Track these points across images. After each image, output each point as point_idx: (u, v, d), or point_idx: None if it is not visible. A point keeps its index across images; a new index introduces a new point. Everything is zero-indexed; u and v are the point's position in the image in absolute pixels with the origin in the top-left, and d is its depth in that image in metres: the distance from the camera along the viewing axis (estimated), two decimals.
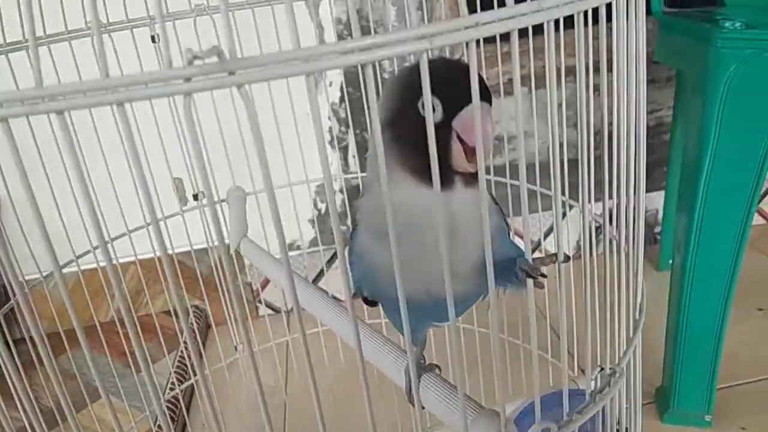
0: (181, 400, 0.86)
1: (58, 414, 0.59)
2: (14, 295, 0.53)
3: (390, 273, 0.25)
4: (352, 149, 1.22)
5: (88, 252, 0.61)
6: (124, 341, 0.70)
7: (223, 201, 0.64)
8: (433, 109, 0.30)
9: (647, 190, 1.38)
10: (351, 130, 1.20)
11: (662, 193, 1.35)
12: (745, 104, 0.74)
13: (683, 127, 1.17)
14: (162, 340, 0.81)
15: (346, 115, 1.18)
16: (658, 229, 1.40)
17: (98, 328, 0.68)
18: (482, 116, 0.25)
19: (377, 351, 0.36)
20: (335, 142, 1.22)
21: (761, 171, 0.77)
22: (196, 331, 1.15)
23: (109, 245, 0.63)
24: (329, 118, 1.20)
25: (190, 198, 0.63)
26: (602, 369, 0.31)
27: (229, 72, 0.21)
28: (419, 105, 0.32)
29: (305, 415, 0.98)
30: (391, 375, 0.35)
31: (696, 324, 0.85)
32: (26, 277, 0.60)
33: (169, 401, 0.98)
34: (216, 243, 0.69)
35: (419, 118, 0.27)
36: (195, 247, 0.72)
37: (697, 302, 0.84)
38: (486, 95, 0.32)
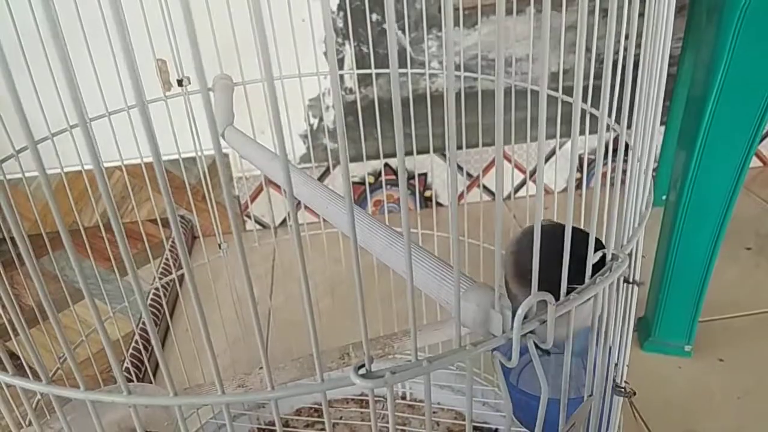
0: (164, 305, 0.85)
1: (38, 313, 0.58)
2: None
3: None
4: (348, 63, 1.17)
5: (64, 130, 0.58)
6: (108, 246, 0.69)
7: (209, 90, 0.61)
8: None
9: None
10: (349, 42, 1.15)
11: (662, 128, 1.33)
12: (761, 30, 0.71)
13: (692, 60, 1.14)
14: (147, 246, 0.79)
15: (345, 24, 1.12)
16: (654, 166, 1.39)
17: (82, 232, 0.66)
18: None
19: (370, 233, 0.34)
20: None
21: (766, 108, 0.76)
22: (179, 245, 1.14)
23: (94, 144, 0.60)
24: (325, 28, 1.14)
25: (174, 83, 0.59)
26: (604, 255, 0.30)
27: None
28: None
29: (289, 325, 0.99)
30: (382, 258, 0.33)
31: (685, 258, 0.85)
32: (7, 176, 0.57)
33: (152, 305, 0.98)
34: (202, 152, 0.66)
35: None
36: (183, 155, 0.69)
37: (689, 238, 0.84)
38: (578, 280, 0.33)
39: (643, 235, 0.38)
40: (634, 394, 0.39)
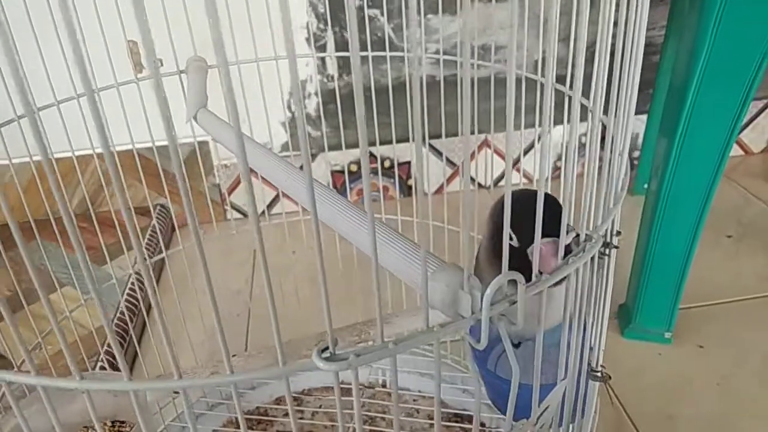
0: (140, 301, 0.84)
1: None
2: None
3: None
4: (331, 48, 1.15)
5: (11, 121, 0.56)
6: (84, 236, 0.67)
7: (182, 72, 0.59)
8: (512, 238, 0.41)
9: None
10: (330, 28, 1.13)
11: (644, 118, 1.33)
12: (742, 18, 0.71)
13: (674, 48, 1.14)
14: (121, 237, 0.77)
15: (326, 9, 1.11)
16: (636, 154, 1.39)
17: (53, 222, 0.65)
18: (549, 250, 0.31)
19: (335, 210, 0.33)
20: (312, 40, 1.15)
21: (747, 95, 0.76)
22: (158, 231, 1.12)
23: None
24: (306, 12, 1.12)
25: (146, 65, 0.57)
26: (577, 235, 0.29)
27: None
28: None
29: (268, 318, 0.97)
30: (351, 239, 0.33)
31: (666, 246, 0.85)
32: None
33: (129, 293, 0.96)
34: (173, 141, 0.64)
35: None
36: (157, 143, 0.68)
37: (669, 225, 0.84)
38: (555, 230, 0.34)
39: (619, 216, 0.37)
40: (610, 378, 0.38)
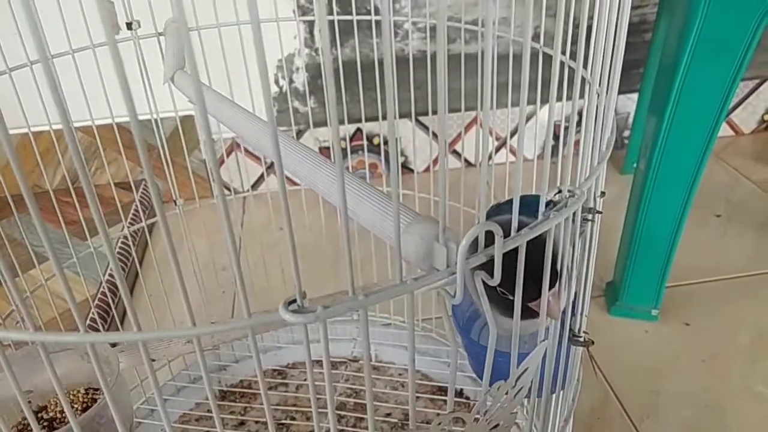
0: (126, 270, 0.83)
1: None
2: None
3: None
4: (318, 22, 1.13)
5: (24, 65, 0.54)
6: (72, 209, 0.66)
7: (161, 34, 0.57)
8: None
9: (621, 92, 1.35)
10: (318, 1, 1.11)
11: (635, 96, 1.32)
12: None
13: (666, 25, 1.12)
14: (101, 214, 0.76)
15: None
16: (627, 134, 1.38)
17: (25, 197, 0.63)
18: (553, 300, 0.32)
19: (302, 160, 0.32)
20: (298, 11, 1.12)
21: (737, 73, 0.75)
22: (140, 210, 1.11)
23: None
24: None
25: (123, 26, 0.56)
26: (560, 191, 0.28)
27: None
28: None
29: (257, 290, 0.96)
30: (322, 192, 0.32)
31: (653, 224, 0.85)
32: None
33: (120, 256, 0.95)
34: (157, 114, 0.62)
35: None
36: (140, 117, 0.66)
37: (657, 203, 0.84)
38: (554, 280, 0.34)
39: (603, 176, 0.36)
40: (592, 343, 0.38)
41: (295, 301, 0.24)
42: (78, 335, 0.23)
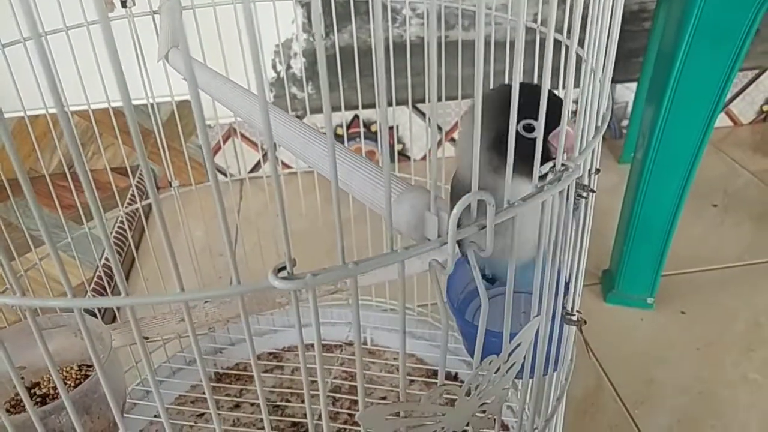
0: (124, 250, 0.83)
1: None
2: None
3: None
4: (318, 6, 1.12)
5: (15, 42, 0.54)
6: (68, 194, 0.65)
7: (156, 13, 0.57)
8: (534, 129, 0.35)
9: (620, 81, 1.34)
10: None
11: (634, 86, 1.31)
12: None
13: (665, 13, 1.12)
14: (98, 198, 0.75)
15: None
16: (625, 123, 1.38)
17: (18, 181, 0.63)
18: (567, 135, 0.31)
19: (294, 133, 0.32)
20: None
21: (735, 62, 0.75)
22: (136, 195, 1.10)
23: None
24: None
25: (117, 4, 0.55)
26: (554, 165, 0.28)
27: None
28: (520, 126, 0.36)
29: (253, 275, 0.97)
30: (314, 165, 0.31)
31: (650, 213, 0.85)
32: None
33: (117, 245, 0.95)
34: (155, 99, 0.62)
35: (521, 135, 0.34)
36: (135, 102, 0.65)
37: (654, 192, 0.84)
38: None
39: (599, 152, 0.36)
40: (585, 323, 0.38)
41: (284, 268, 0.24)
42: (66, 299, 0.22)
